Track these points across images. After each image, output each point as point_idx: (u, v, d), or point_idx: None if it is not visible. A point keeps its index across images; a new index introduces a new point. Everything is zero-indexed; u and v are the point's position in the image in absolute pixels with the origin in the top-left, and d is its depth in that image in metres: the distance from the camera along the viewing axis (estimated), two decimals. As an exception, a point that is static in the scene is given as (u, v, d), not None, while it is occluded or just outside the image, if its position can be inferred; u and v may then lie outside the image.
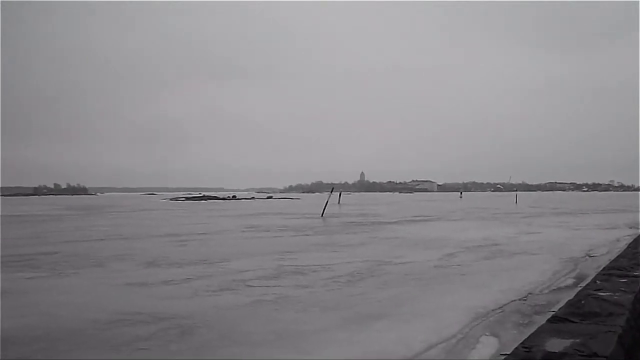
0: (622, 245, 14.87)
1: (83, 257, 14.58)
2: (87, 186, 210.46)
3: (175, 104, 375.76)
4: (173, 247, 16.99)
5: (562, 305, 7.51)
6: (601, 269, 10.83)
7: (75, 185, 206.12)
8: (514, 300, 8.49)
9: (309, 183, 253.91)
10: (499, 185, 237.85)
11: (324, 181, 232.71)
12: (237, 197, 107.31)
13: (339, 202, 58.36)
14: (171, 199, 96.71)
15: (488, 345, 6.24)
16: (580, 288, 8.93)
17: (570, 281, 10.30)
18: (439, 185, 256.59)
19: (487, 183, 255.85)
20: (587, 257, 13.87)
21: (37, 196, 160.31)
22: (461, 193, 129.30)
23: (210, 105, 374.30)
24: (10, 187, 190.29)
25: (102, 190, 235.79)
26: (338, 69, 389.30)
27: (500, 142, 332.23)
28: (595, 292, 7.91)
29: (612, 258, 12.29)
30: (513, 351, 5.34)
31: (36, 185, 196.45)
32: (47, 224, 30.12)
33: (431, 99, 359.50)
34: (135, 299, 9.05)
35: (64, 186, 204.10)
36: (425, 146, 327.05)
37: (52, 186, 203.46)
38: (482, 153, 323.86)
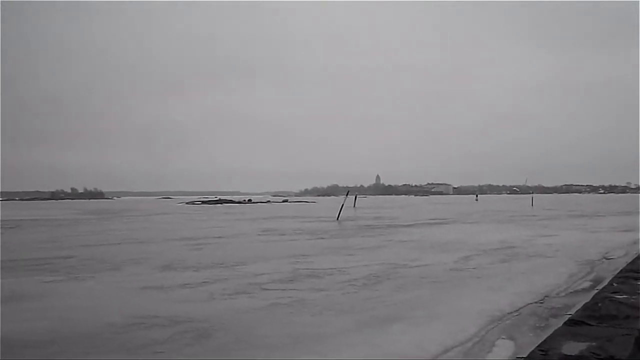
0: (640, 248, 14.78)
1: (99, 260, 14.65)
2: (103, 190, 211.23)
3: (191, 108, 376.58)
4: (189, 250, 17.04)
5: (578, 308, 7.48)
6: (618, 271, 10.78)
7: (92, 190, 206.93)
8: (531, 303, 8.45)
9: (325, 186, 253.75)
10: (514, 188, 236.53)
11: (340, 184, 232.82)
12: (252, 201, 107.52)
13: (354, 205, 58.35)
14: (187, 203, 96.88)
15: (504, 348, 6.21)
16: (596, 291, 8.88)
17: (586, 284, 10.24)
18: (454, 188, 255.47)
19: (503, 186, 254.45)
20: (603, 259, 13.79)
21: (54, 200, 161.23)
22: (477, 196, 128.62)
23: (225, 109, 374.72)
24: (29, 192, 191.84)
25: (119, 194, 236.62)
26: (352, 70, 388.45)
27: (516, 144, 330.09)
28: (612, 295, 7.87)
29: (629, 261, 12.23)
30: (529, 354, 5.32)
31: (53, 190, 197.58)
32: (64, 228, 30.30)
33: (447, 101, 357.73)
34: (152, 302, 9.09)
35: (80, 190, 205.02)
36: (441, 149, 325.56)
37: (69, 190, 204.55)
38: (498, 156, 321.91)
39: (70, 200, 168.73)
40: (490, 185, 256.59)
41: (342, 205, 38.57)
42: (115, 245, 19.23)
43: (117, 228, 30.26)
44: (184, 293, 9.87)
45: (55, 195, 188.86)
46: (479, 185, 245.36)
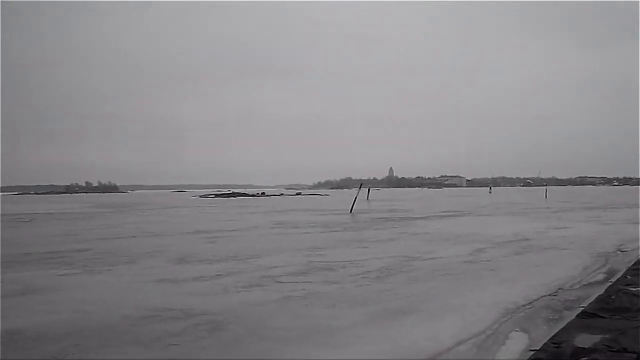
0: (654, 240, 14.71)
1: (114, 254, 14.75)
2: (117, 184, 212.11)
3: (205, 105, 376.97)
4: (203, 243, 17.11)
5: (592, 300, 7.47)
6: (632, 263, 10.75)
7: (107, 183, 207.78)
8: (544, 296, 8.44)
9: (338, 179, 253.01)
10: (528, 180, 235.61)
11: (353, 177, 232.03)
12: (266, 194, 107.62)
13: (367, 198, 58.32)
14: (201, 196, 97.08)
15: (517, 340, 6.21)
16: (610, 283, 8.87)
17: (600, 276, 10.21)
18: (467, 180, 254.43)
19: (517, 178, 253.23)
20: (618, 252, 13.72)
21: (69, 194, 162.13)
22: (490, 188, 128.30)
23: (238, 103, 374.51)
24: (43, 186, 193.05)
25: (133, 187, 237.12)
26: (368, 66, 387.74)
27: (529, 136, 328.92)
28: (625, 287, 7.85)
29: (644, 253, 12.18)
30: (542, 347, 5.33)
31: (68, 184, 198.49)
32: (79, 222, 30.48)
33: (460, 94, 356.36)
34: (166, 295, 9.15)
35: (95, 184, 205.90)
36: (454, 141, 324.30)
37: (84, 184, 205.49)
38: (512, 148, 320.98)
39: (84, 193, 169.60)
40: (503, 177, 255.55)
41: (356, 198, 38.58)
42: (130, 239, 19.34)
43: (132, 221, 30.41)
44: (198, 286, 9.92)
45: (69, 189, 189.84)
46: (493, 178, 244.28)
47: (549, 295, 8.53)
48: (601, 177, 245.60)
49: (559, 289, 9.02)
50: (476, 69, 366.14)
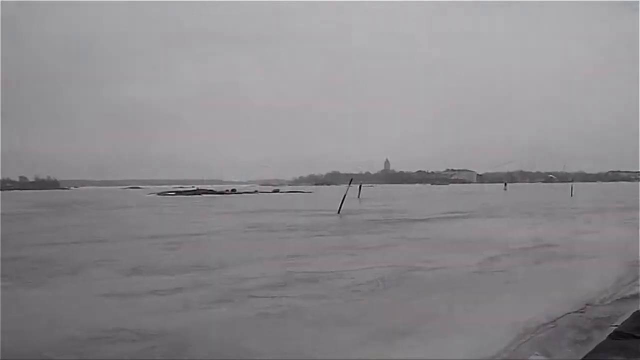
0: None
1: (54, 263, 14.65)
2: (58, 179, 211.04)
3: (162, 85, 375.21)
4: (160, 250, 17.05)
5: (626, 318, 7.50)
6: (674, 275, 10.80)
7: (45, 179, 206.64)
8: (569, 313, 8.47)
9: (323, 174, 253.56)
10: (550, 175, 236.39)
11: (341, 171, 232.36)
12: (237, 191, 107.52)
13: (358, 196, 58.35)
14: (159, 194, 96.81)
15: (538, 366, 6.23)
16: (648, 298, 8.91)
17: (635, 290, 10.26)
18: (479, 175, 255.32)
19: (537, 172, 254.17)
20: (657, 261, 13.80)
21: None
22: (505, 184, 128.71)
23: (203, 86, 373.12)
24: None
25: (77, 183, 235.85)
26: (361, 40, 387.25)
27: (552, 125, 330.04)
28: (666, 303, 7.88)
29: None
30: (568, 374, 5.34)
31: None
32: (12, 224, 30.25)
33: (471, 76, 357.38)
34: (117, 312, 9.10)
35: (31, 179, 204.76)
36: (462, 129, 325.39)
37: (17, 179, 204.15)
38: (531, 137, 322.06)
39: (18, 190, 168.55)
40: (521, 172, 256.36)
41: (345, 196, 38.59)
42: (73, 245, 19.23)
43: (75, 223, 30.26)
44: (155, 301, 9.88)
45: (1, 186, 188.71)
46: (508, 172, 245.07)
47: (575, 312, 8.56)
48: (637, 172, 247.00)
49: (587, 304, 9.06)
50: (487, 48, 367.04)
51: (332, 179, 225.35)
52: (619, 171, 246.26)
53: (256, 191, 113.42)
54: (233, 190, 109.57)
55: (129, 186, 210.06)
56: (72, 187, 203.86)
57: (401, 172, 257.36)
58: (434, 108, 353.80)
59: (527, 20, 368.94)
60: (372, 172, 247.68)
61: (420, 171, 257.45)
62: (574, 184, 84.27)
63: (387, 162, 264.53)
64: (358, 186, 61.72)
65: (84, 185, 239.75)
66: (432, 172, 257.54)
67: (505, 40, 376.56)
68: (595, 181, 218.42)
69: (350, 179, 46.71)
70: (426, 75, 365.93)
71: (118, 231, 24.78)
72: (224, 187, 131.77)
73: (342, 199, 37.90)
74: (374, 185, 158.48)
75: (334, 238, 20.38)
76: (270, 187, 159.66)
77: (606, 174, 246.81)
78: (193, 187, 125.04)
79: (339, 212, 35.29)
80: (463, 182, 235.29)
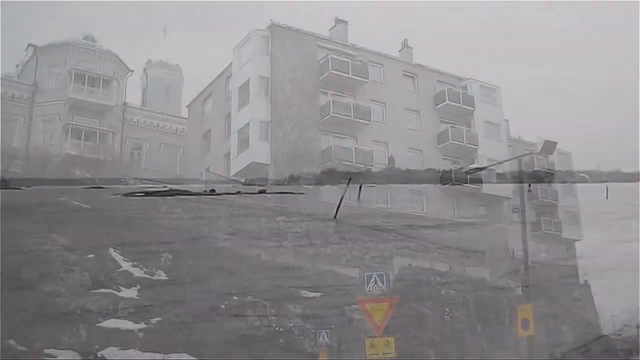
0: None
1: None
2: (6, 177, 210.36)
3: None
4: (124, 262, 17.01)
5: None
6: None
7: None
8: (604, 336, 8.49)
9: (317, 172, 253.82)
10: (582, 175, 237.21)
11: (338, 169, 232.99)
12: (216, 191, 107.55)
13: (358, 198, 58.25)
14: (125, 195, 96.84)
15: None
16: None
17: None
18: (498, 174, 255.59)
19: (567, 171, 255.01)
20: None
21: None
22: (529, 185, 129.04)
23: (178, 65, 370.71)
24: None
25: (29, 182, 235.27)
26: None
27: (583, 114, 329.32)
28: None
29: None
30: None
31: None
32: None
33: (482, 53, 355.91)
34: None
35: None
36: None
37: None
38: (559, 130, 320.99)
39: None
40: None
41: (342, 198, 38.46)
42: None
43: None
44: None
45: None
46: (533, 171, 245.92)
47: (611, 334, 8.58)
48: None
49: (625, 325, 9.09)
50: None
51: (327, 177, 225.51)
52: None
53: (239, 192, 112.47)
54: (212, 191, 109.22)
55: (89, 186, 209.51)
56: (22, 187, 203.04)
57: (408, 170, 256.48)
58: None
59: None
60: (373, 170, 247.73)
61: (429, 169, 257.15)
62: (609, 184, 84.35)
63: (391, 159, 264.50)
64: (358, 187, 61.69)
65: (36, 185, 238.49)
66: (443, 170, 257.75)
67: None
68: (634, 182, 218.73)
69: (349, 178, 46.32)
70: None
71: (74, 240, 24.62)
72: (200, 187, 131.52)
73: (339, 201, 37.79)
74: (376, 185, 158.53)
75: (329, 247, 20.44)
76: (254, 187, 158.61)
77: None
78: (165, 186, 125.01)
79: (335, 217, 35.16)
80: (480, 182, 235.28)
